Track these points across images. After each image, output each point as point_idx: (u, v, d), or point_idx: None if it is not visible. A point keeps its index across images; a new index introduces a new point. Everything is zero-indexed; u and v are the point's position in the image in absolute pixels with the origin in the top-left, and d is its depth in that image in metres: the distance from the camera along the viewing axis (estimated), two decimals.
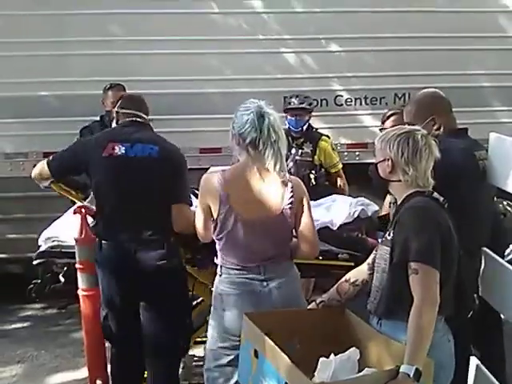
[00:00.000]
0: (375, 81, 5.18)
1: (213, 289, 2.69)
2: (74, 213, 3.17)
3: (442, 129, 2.77)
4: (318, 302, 2.53)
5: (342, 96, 5.22)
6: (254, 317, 2.32)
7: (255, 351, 2.23)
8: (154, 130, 4.56)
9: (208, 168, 3.15)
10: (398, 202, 2.33)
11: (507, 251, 5.21)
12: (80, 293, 3.23)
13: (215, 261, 2.67)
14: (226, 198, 2.49)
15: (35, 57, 4.83)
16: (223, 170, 2.59)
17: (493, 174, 2.80)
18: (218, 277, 2.63)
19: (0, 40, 4.81)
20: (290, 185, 2.56)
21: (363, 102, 5.22)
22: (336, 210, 3.32)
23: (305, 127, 4.50)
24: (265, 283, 2.53)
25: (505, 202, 5.18)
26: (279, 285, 2.54)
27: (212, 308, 2.67)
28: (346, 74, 5.19)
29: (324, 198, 3.51)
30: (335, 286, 2.53)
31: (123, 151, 2.95)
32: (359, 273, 2.50)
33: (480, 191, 2.76)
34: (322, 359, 2.14)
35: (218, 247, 2.61)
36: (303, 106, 4.45)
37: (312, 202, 3.16)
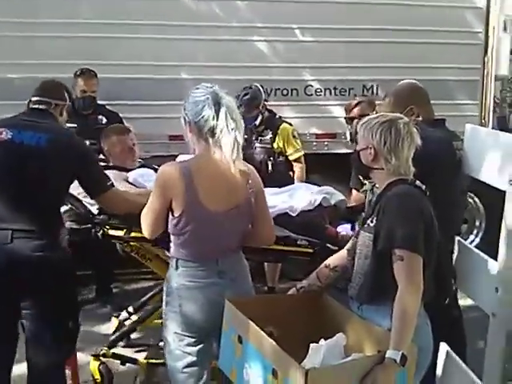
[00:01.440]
0: (345, 72, 5.22)
1: (164, 286, 2.58)
2: None
3: (420, 119, 2.83)
4: (297, 287, 2.54)
5: (312, 86, 5.24)
6: (235, 302, 2.32)
7: (239, 337, 2.22)
8: (123, 114, 4.61)
9: (177, 155, 3.11)
10: (380, 190, 2.34)
11: (468, 240, 5.45)
12: None
13: (167, 253, 2.58)
14: (193, 192, 2.36)
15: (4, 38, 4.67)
16: (182, 161, 2.46)
17: (468, 164, 2.87)
18: (172, 271, 2.50)
19: None
20: (248, 173, 2.48)
21: (333, 93, 5.26)
22: (297, 196, 3.31)
23: (257, 121, 4.43)
24: (221, 275, 2.46)
25: (468, 194, 5.34)
26: (234, 276, 2.49)
27: (164, 307, 2.56)
28: (317, 65, 5.21)
29: (289, 186, 3.52)
30: (315, 271, 2.55)
31: (9, 136, 2.76)
32: (339, 258, 2.52)
33: (456, 180, 2.83)
34: (312, 345, 2.15)
35: (175, 242, 2.47)
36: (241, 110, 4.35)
37: (275, 189, 3.32)
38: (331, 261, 2.54)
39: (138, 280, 5.00)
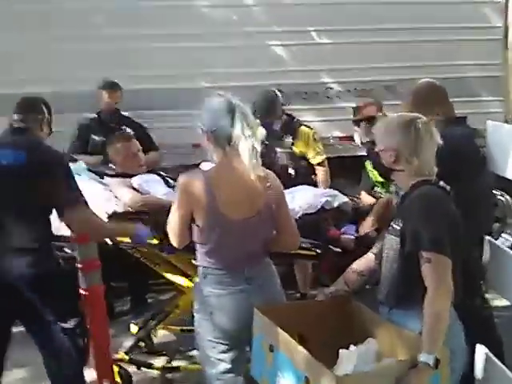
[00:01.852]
0: (364, 72, 5.20)
1: (194, 296, 2.61)
2: None
3: (440, 117, 2.81)
4: (325, 292, 2.54)
5: (332, 88, 5.22)
6: (264, 310, 2.32)
7: (270, 345, 2.23)
8: (147, 124, 4.65)
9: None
10: (403, 192, 2.32)
11: (501, 239, 5.35)
12: (83, 292, 3.20)
13: (195, 262, 2.60)
14: (214, 201, 2.37)
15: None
16: (201, 171, 2.47)
17: (492, 161, 2.85)
18: (201, 279, 2.54)
19: None
20: (268, 179, 2.48)
21: (353, 94, 5.23)
22: (299, 199, 3.32)
23: (277, 126, 4.36)
24: (249, 281, 2.47)
25: (498, 192, 5.27)
26: (262, 282, 2.50)
27: (196, 315, 2.58)
28: (336, 67, 5.20)
29: (291, 188, 3.47)
30: (342, 276, 2.54)
31: None
32: (366, 262, 2.50)
33: (481, 177, 2.81)
34: (342, 351, 2.15)
35: (201, 251, 2.49)
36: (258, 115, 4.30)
37: None
38: (358, 265, 2.52)
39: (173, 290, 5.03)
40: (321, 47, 5.19)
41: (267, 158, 4.43)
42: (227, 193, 2.40)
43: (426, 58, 5.14)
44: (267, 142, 4.46)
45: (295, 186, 3.63)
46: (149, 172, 3.71)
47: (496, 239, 5.22)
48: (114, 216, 3.22)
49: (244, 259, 2.47)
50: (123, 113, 4.76)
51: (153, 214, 3.22)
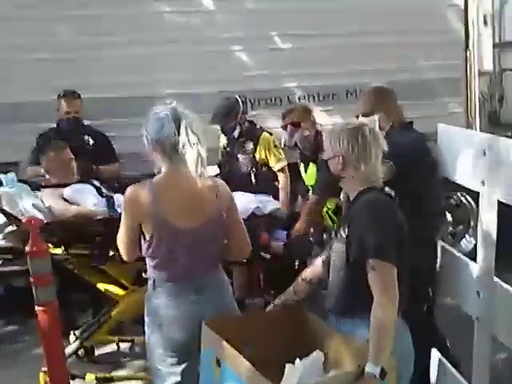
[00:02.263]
0: (327, 77, 5.19)
1: (145, 307, 2.57)
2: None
3: (391, 123, 2.86)
4: (275, 303, 2.52)
5: (295, 94, 5.21)
6: (213, 323, 2.30)
7: (217, 359, 2.21)
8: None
9: None
10: (351, 199, 2.32)
11: (463, 241, 5.39)
12: (37, 308, 3.15)
13: (144, 275, 2.58)
14: (160, 211, 2.34)
15: None
16: (149, 182, 2.42)
17: (442, 165, 2.85)
18: (151, 291, 2.51)
19: None
20: (216, 188, 2.47)
21: (316, 99, 5.23)
22: None
23: (236, 132, 4.41)
24: (199, 291, 2.45)
25: (459, 193, 5.30)
26: (213, 292, 2.47)
27: (146, 328, 2.55)
28: (299, 72, 5.17)
29: None
30: (291, 285, 2.52)
31: None
32: (314, 271, 2.50)
33: (432, 182, 2.82)
34: (287, 365, 2.13)
35: (150, 263, 2.47)
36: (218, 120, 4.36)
37: None
38: (307, 273, 2.51)
39: None
40: (283, 52, 5.17)
41: (229, 165, 4.52)
42: (174, 202, 2.37)
43: (387, 60, 5.14)
44: (228, 149, 4.53)
45: (257, 192, 3.66)
46: (82, 182, 3.72)
47: (459, 242, 5.31)
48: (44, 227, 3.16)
49: (194, 269, 2.45)
50: (85, 122, 4.69)
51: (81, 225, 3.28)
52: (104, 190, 3.67)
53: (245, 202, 3.36)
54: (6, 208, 3.30)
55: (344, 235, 2.23)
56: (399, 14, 5.16)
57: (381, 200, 2.23)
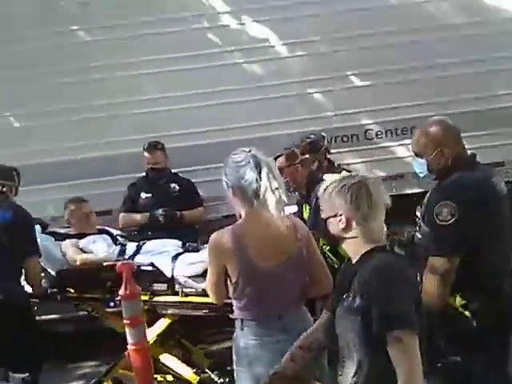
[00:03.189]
0: (403, 111, 5.20)
1: (233, 347, 2.63)
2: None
3: (450, 160, 2.70)
4: (271, 373, 2.32)
5: (371, 130, 5.26)
6: None
7: None
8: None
9: None
10: (354, 261, 2.09)
11: None
12: (129, 347, 3.34)
13: (231, 316, 2.62)
14: (244, 253, 2.43)
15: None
16: (231, 227, 2.52)
17: None
18: (238, 331, 2.57)
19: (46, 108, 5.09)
20: (295, 227, 2.54)
21: (394, 134, 5.24)
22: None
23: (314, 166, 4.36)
24: (285, 331, 2.49)
25: None
26: (299, 332, 2.44)
27: (235, 366, 2.62)
28: (374, 108, 5.24)
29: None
30: (287, 354, 2.33)
31: None
32: (313, 336, 2.32)
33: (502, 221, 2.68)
34: None
35: (237, 304, 2.54)
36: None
37: None
38: (305, 340, 2.33)
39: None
40: (358, 89, 5.25)
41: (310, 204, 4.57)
42: (257, 244, 2.46)
43: (465, 90, 5.09)
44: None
45: None
46: (100, 232, 4.17)
47: None
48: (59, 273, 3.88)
49: (279, 308, 2.51)
50: (172, 170, 4.96)
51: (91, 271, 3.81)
52: (120, 239, 4.10)
53: None
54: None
55: (355, 305, 1.97)
56: (475, 42, 5.11)
57: (393, 262, 2.02)
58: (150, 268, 3.72)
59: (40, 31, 5.10)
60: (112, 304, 3.70)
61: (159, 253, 3.83)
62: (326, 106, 5.29)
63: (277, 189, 2.47)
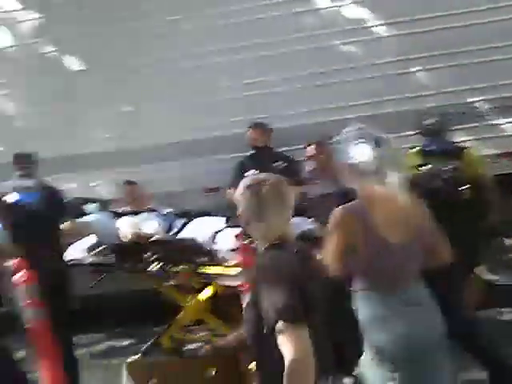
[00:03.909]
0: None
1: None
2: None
3: None
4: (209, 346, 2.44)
5: (477, 107, 5.09)
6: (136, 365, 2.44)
7: None
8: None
9: None
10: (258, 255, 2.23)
11: None
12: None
13: (352, 287, 2.62)
14: (373, 227, 2.46)
15: None
16: (354, 203, 2.55)
17: None
18: (363, 303, 2.57)
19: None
20: (414, 202, 2.54)
21: (503, 111, 5.04)
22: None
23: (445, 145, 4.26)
24: (409, 303, 2.49)
25: None
26: (421, 303, 2.50)
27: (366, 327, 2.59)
28: (481, 85, 5.06)
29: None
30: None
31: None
32: None
33: None
34: None
35: (361, 277, 2.56)
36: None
37: None
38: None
39: None
40: (468, 66, 5.08)
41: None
42: (383, 218, 2.48)
43: None
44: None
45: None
46: (151, 210, 4.69)
47: None
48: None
49: (404, 281, 2.52)
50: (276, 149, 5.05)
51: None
52: (170, 217, 4.59)
53: None
54: (96, 232, 4.48)
55: (249, 298, 2.10)
56: None
57: (280, 257, 2.08)
58: (191, 242, 4.15)
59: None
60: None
61: (202, 228, 4.27)
62: (431, 83, 5.14)
63: (396, 165, 2.52)
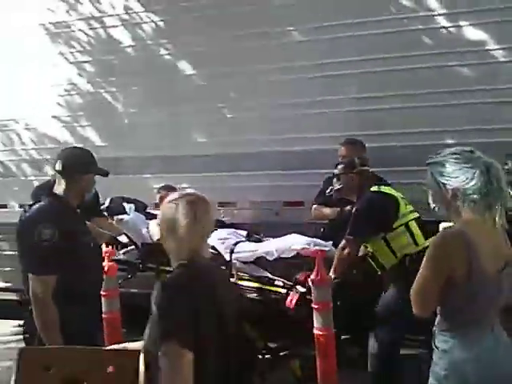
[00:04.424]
0: None
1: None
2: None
3: None
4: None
5: None
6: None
7: None
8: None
9: None
10: None
11: None
12: (315, 332, 3.44)
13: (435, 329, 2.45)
14: (476, 259, 2.28)
15: None
16: (455, 229, 2.39)
17: None
18: (452, 344, 2.35)
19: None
20: (504, 232, 2.43)
21: None
22: (279, 243, 4.17)
23: None
24: (496, 341, 2.36)
25: None
26: (505, 339, 2.36)
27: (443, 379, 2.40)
28: None
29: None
30: None
31: None
32: None
33: None
34: None
35: (452, 312, 2.37)
36: None
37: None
38: None
39: None
40: None
41: None
42: (483, 250, 2.33)
43: None
44: None
45: None
46: None
47: None
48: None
49: (493, 316, 2.40)
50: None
51: None
52: None
53: (291, 242, 4.13)
54: (128, 231, 4.86)
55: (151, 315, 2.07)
56: None
57: (179, 278, 2.10)
58: (211, 251, 4.11)
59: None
60: None
61: (224, 238, 4.44)
62: None
63: (504, 196, 2.36)
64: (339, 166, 4.24)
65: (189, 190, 2.38)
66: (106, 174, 3.10)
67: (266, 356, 4.11)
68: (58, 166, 2.93)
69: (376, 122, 5.20)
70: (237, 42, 5.53)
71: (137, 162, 5.80)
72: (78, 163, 2.95)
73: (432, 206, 2.48)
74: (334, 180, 4.26)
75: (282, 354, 4.19)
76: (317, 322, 3.44)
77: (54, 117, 6.32)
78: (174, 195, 2.26)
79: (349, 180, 4.14)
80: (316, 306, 3.45)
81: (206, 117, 5.70)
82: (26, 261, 2.88)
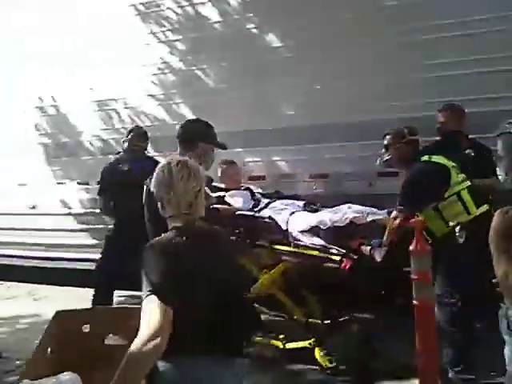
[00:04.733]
0: None
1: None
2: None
3: None
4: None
5: None
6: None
7: None
8: None
9: None
10: None
11: None
12: (414, 302, 3.35)
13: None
14: None
15: None
16: None
17: None
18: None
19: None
20: None
21: None
22: (333, 213, 4.20)
23: None
24: None
25: None
26: None
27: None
28: None
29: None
30: None
31: None
32: None
33: None
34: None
35: None
36: None
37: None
38: None
39: None
40: None
41: None
42: None
43: None
44: None
45: None
46: (244, 189, 5.05)
47: None
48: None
49: None
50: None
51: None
52: (257, 196, 4.89)
53: (343, 211, 4.15)
54: None
55: None
56: None
57: (162, 241, 2.27)
58: (268, 220, 4.43)
59: None
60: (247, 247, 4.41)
61: (281, 209, 4.54)
62: None
63: None
64: (387, 137, 4.17)
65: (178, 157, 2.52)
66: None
67: (325, 322, 4.25)
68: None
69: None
70: (326, 13, 5.43)
71: (228, 136, 5.86)
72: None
73: (503, 177, 2.42)
74: (383, 150, 4.21)
75: (340, 320, 4.29)
76: (416, 292, 3.34)
77: (150, 95, 6.50)
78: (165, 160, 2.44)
79: (397, 150, 4.08)
80: (415, 277, 3.35)
81: (297, 89, 5.63)
82: None
